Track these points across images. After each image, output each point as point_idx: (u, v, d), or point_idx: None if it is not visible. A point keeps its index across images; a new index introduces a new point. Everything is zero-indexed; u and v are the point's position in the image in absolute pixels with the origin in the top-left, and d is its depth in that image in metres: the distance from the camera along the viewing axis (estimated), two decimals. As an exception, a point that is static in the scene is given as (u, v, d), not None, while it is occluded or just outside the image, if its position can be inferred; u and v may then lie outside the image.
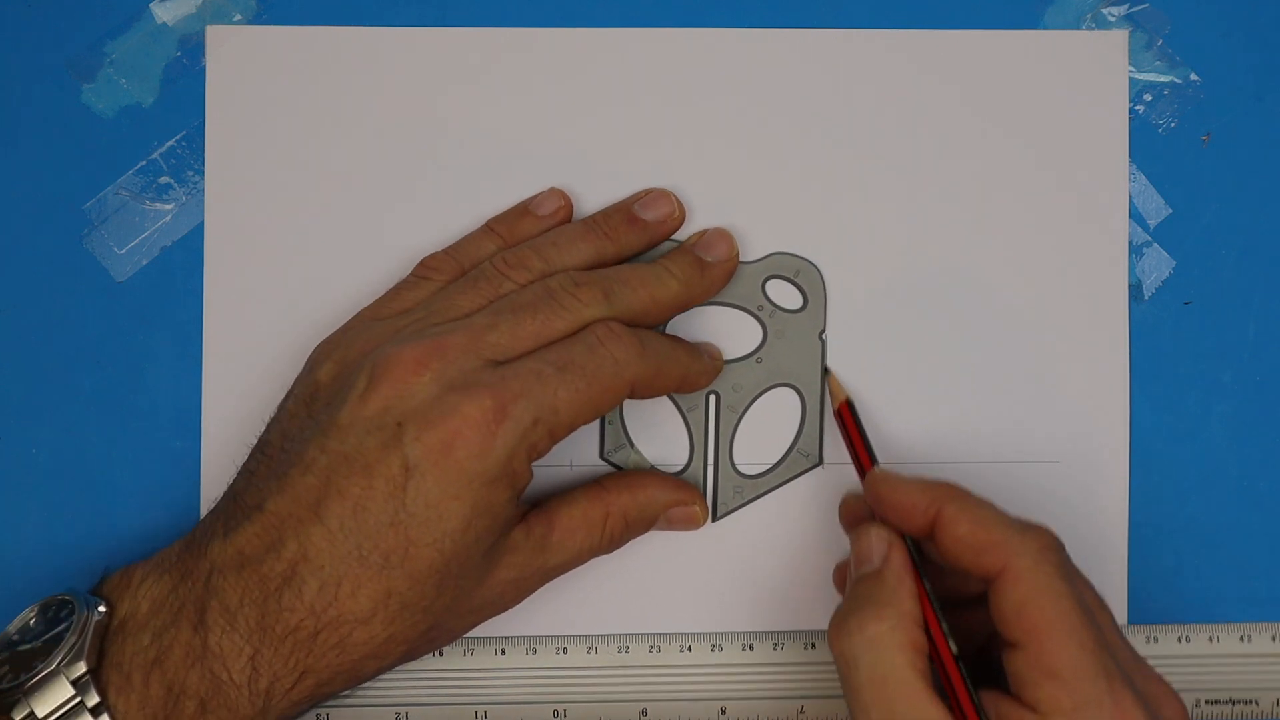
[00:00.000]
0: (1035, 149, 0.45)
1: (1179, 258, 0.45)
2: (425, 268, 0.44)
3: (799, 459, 0.45)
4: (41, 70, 0.46)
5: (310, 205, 0.46)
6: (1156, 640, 0.45)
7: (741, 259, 0.45)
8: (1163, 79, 0.46)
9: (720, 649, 0.45)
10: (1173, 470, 0.45)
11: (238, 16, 0.46)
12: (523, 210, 0.45)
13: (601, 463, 0.45)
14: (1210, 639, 0.45)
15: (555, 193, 0.45)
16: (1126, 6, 0.46)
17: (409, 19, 0.46)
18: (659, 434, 0.45)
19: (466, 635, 0.44)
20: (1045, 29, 0.46)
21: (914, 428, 0.45)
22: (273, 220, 0.46)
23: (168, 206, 0.46)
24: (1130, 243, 0.45)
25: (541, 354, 0.39)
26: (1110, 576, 0.45)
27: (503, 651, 0.45)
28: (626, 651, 0.45)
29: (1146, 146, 0.46)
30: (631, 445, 0.45)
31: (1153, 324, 0.45)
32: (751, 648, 0.45)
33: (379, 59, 0.46)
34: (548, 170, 0.45)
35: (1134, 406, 0.45)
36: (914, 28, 0.46)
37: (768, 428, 0.45)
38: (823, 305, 0.45)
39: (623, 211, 0.44)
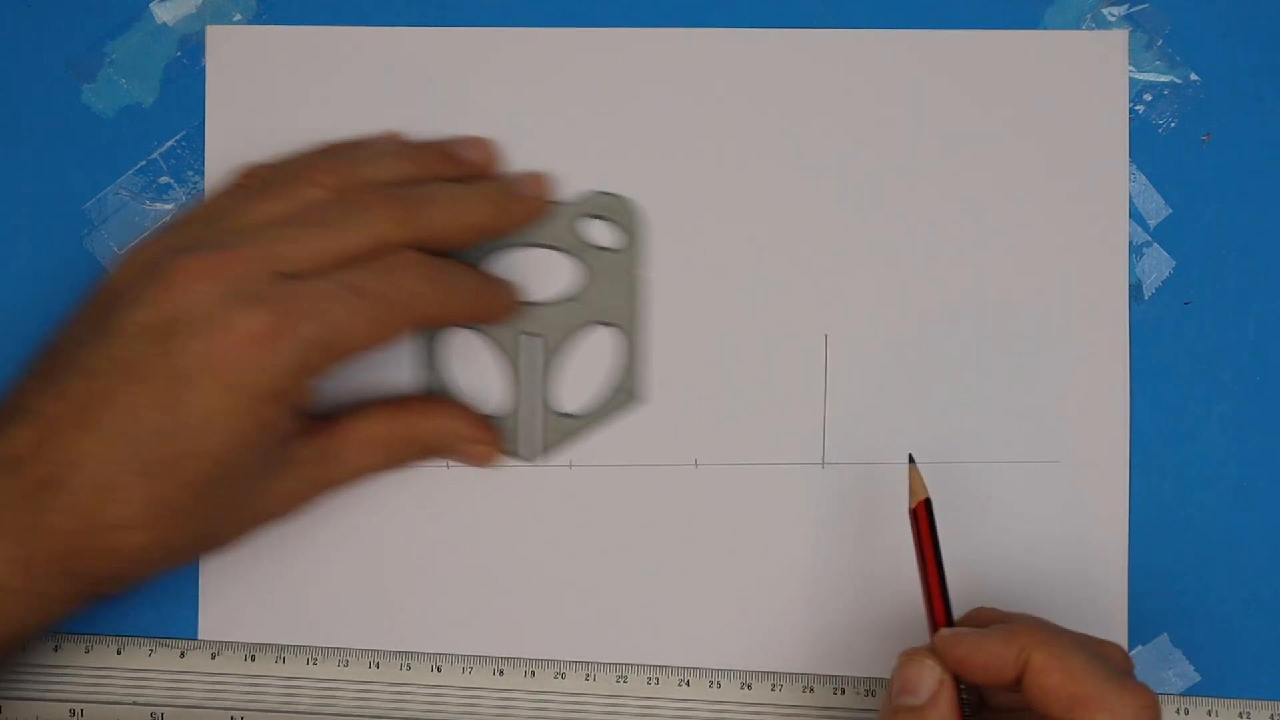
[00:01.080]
0: (1035, 149, 0.45)
1: (1179, 258, 0.45)
2: (247, 175, 0.43)
3: (619, 396, 0.45)
4: (41, 70, 0.46)
5: (310, 205, 0.46)
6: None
7: (560, 200, 0.45)
8: (1163, 79, 0.46)
9: (718, 685, 0.44)
10: (1173, 470, 0.45)
11: (238, 16, 0.46)
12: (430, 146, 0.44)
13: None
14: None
15: (481, 142, 0.44)
16: (1126, 6, 0.46)
17: (409, 19, 0.46)
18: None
19: (465, 654, 0.44)
20: (1045, 29, 0.46)
21: (914, 427, 0.45)
22: (272, 220, 0.46)
23: (168, 206, 0.46)
24: (1130, 243, 0.45)
25: (334, 275, 0.39)
26: (1110, 577, 0.44)
27: (500, 672, 0.45)
28: (624, 681, 0.45)
29: (1146, 146, 0.45)
30: (447, 380, 0.45)
31: (1153, 324, 0.45)
32: (750, 687, 0.44)
33: (379, 59, 0.46)
34: (547, 170, 0.45)
35: (1134, 406, 0.45)
36: (914, 28, 0.46)
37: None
38: (641, 243, 0.45)
39: (440, 147, 0.44)
